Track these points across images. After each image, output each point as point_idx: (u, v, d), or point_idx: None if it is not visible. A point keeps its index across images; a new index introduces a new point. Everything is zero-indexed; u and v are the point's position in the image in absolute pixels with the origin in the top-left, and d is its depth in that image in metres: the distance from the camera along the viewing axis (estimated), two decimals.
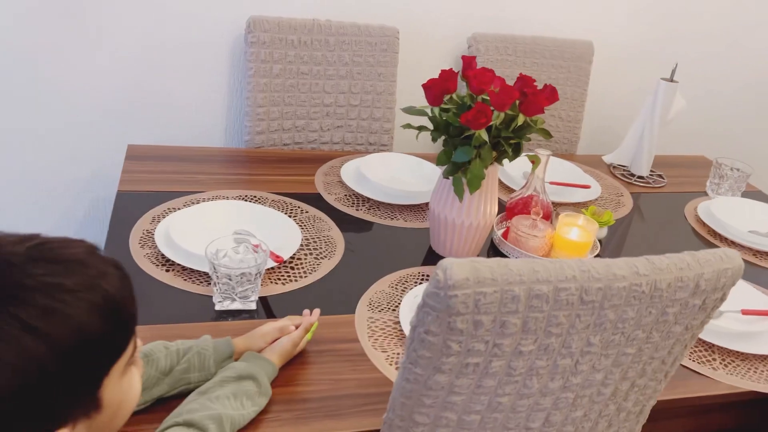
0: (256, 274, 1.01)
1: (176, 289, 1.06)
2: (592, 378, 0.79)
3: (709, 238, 1.50)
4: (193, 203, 1.32)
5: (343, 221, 1.34)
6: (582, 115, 1.92)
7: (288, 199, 1.39)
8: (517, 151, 1.16)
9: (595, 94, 2.00)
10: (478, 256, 1.23)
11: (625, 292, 0.71)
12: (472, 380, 0.74)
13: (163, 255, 1.13)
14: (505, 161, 1.18)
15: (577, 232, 1.28)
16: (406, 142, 1.80)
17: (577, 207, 1.53)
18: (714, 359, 1.10)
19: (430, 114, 1.16)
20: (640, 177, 1.76)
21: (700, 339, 1.12)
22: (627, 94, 2.09)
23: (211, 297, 1.04)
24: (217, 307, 1.03)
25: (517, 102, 1.12)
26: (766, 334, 1.15)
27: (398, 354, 0.99)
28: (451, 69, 1.13)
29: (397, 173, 1.54)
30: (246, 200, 1.36)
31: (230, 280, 1.01)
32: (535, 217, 1.27)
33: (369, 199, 1.44)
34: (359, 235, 1.31)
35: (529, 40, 1.82)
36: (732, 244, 1.48)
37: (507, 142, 1.13)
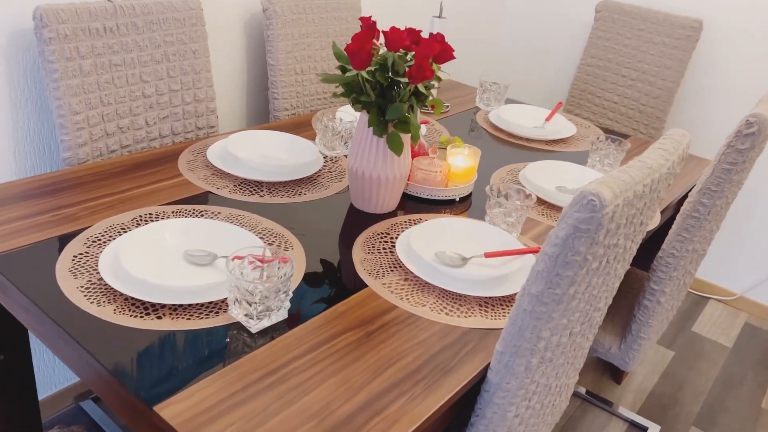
0: (288, 281, 0.94)
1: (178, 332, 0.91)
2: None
3: (508, 139, 1.84)
4: (94, 242, 1.08)
5: (260, 210, 1.27)
6: None
7: (186, 206, 1.24)
8: (426, 98, 1.26)
9: None
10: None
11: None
12: (587, 282, 0.88)
13: (135, 303, 0.94)
14: None
15: (463, 159, 1.46)
16: (229, 119, 1.70)
17: (427, 140, 1.70)
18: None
19: (348, 77, 1.17)
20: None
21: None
22: None
23: (214, 328, 0.93)
24: (255, 329, 0.93)
25: None
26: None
27: (437, 303, 1.05)
28: (366, 30, 1.16)
29: (269, 149, 1.48)
30: (147, 220, 1.17)
31: (268, 298, 0.91)
32: (433, 155, 1.40)
33: (261, 182, 1.37)
34: (286, 218, 1.26)
35: None
36: (527, 140, 1.85)
37: (428, 91, 1.22)
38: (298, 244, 1.16)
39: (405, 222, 1.30)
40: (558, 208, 1.44)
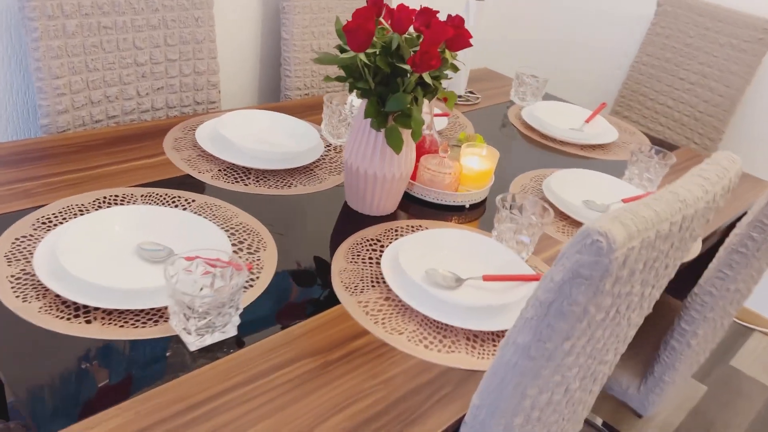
0: (238, 293, 0.80)
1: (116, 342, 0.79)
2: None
3: (540, 140, 1.66)
4: (44, 224, 0.97)
5: (241, 201, 1.13)
6: None
7: (159, 190, 1.11)
8: (436, 90, 1.10)
9: None
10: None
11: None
12: (588, 335, 0.71)
13: (67, 302, 0.82)
14: None
15: (478, 161, 1.29)
16: (233, 96, 1.57)
17: (443, 136, 1.54)
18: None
19: (351, 60, 1.02)
20: (459, 96, 1.84)
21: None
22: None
23: (152, 339, 0.80)
24: (194, 347, 0.80)
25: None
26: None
27: (417, 332, 0.90)
28: (370, 5, 1.00)
29: (266, 133, 1.35)
30: (110, 203, 1.05)
31: (209, 313, 0.78)
32: (443, 154, 1.24)
33: (250, 169, 1.23)
34: (267, 213, 1.12)
35: None
36: (561, 143, 1.66)
37: (437, 81, 1.06)
38: (273, 245, 1.03)
39: (402, 228, 1.15)
40: (579, 225, 1.26)
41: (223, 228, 1.04)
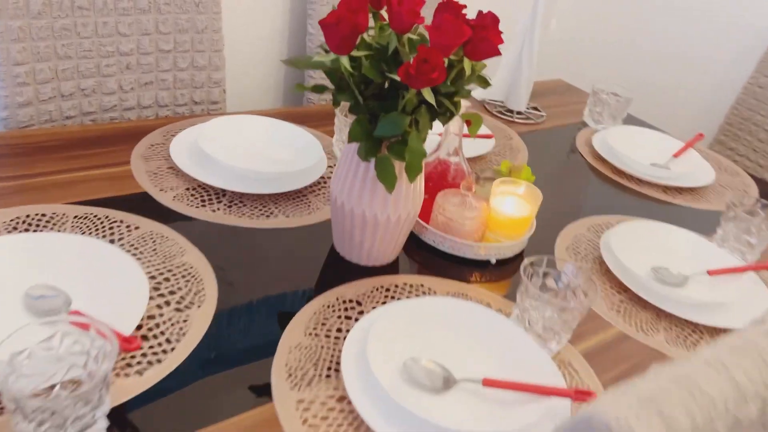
0: (101, 385, 0.57)
1: None
2: None
3: (611, 175, 1.33)
4: None
5: (198, 233, 0.90)
6: None
7: (99, 211, 0.90)
8: (456, 110, 0.82)
9: None
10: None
11: None
12: None
13: None
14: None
15: (514, 203, 1.00)
16: (241, 98, 1.35)
17: (484, 163, 1.25)
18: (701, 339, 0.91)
19: (328, 65, 0.76)
20: (518, 113, 1.54)
21: (679, 319, 0.92)
22: None
23: None
24: None
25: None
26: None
27: None
28: None
29: (257, 146, 1.11)
30: (30, 227, 0.84)
31: (53, 413, 0.55)
32: (466, 192, 0.95)
33: (224, 191, 1.00)
34: (229, 251, 0.88)
35: None
36: (639, 182, 1.32)
37: (450, 100, 0.78)
38: (212, 301, 0.79)
39: (395, 287, 0.88)
40: (644, 304, 0.94)
41: (157, 270, 0.81)
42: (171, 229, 0.89)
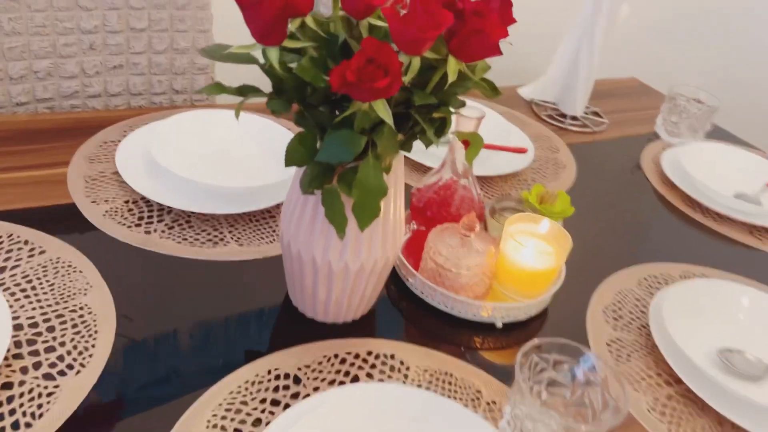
0: None
1: None
2: None
3: (681, 206, 1.05)
4: None
5: (117, 263, 0.72)
6: None
7: (4, 226, 0.73)
8: (441, 129, 0.58)
9: None
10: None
11: None
12: None
13: None
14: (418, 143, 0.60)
15: (533, 249, 0.75)
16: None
17: (513, 184, 1.00)
18: None
19: (263, 61, 0.54)
20: (573, 118, 1.27)
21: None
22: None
23: None
24: None
25: (441, 35, 0.53)
26: None
27: None
28: None
29: (226, 150, 0.91)
30: None
31: None
32: (468, 232, 0.72)
33: (170, 208, 0.81)
34: (147, 291, 0.69)
35: None
36: (717, 217, 1.04)
37: (424, 116, 0.55)
38: (98, 365, 0.59)
39: (357, 359, 0.66)
40: (701, 405, 0.67)
41: (43, 315, 0.63)
42: (83, 255, 0.71)
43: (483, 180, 0.99)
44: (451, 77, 0.52)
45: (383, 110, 0.49)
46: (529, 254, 0.73)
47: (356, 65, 0.45)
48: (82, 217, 0.77)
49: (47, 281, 0.67)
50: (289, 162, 0.56)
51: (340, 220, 0.56)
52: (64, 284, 0.67)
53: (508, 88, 1.35)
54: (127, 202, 0.81)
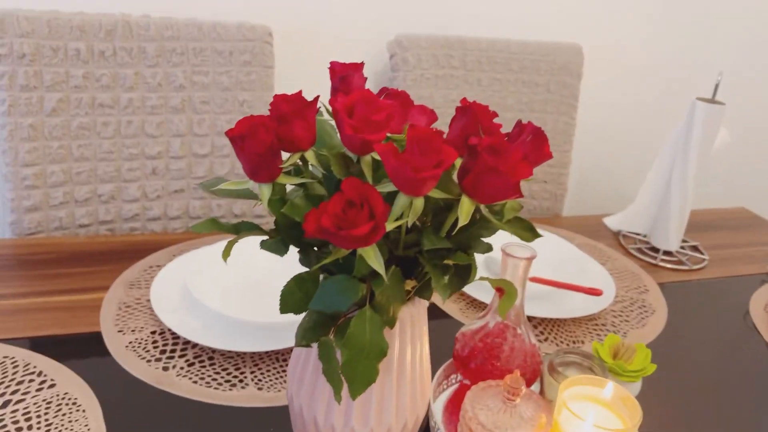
0: None
1: None
2: None
3: None
4: None
5: (126, 404, 0.66)
6: (570, 156, 1.28)
7: (24, 354, 0.71)
8: (464, 277, 0.50)
9: (584, 123, 1.37)
10: None
11: None
12: None
13: None
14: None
15: (596, 418, 0.62)
16: None
17: (582, 329, 0.88)
18: None
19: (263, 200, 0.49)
20: (666, 253, 1.12)
21: None
22: (630, 119, 1.47)
23: None
24: None
25: (456, 169, 0.46)
26: None
27: None
28: (298, 93, 0.47)
29: (266, 282, 0.86)
30: None
31: None
32: (512, 397, 0.60)
33: (194, 343, 0.76)
34: (154, 430, 0.63)
35: (483, 44, 1.18)
36: None
37: (432, 263, 0.46)
38: None
39: None
40: None
41: None
42: (92, 393, 0.66)
43: (550, 323, 0.87)
44: (463, 220, 0.44)
45: (373, 257, 0.42)
46: (588, 429, 0.60)
47: (333, 210, 0.38)
48: (104, 348, 0.74)
49: (45, 420, 0.62)
50: (284, 308, 0.49)
51: (337, 380, 0.48)
52: (63, 425, 0.62)
53: (593, 217, 1.24)
54: (154, 332, 0.77)
